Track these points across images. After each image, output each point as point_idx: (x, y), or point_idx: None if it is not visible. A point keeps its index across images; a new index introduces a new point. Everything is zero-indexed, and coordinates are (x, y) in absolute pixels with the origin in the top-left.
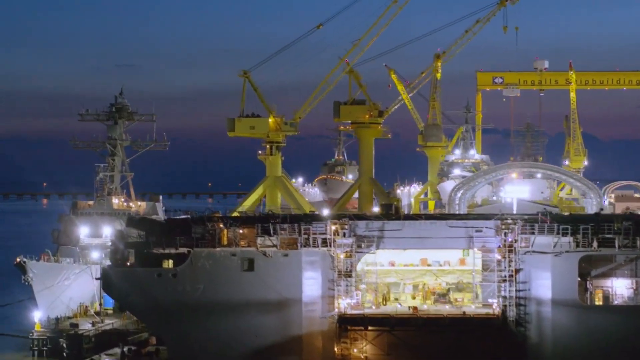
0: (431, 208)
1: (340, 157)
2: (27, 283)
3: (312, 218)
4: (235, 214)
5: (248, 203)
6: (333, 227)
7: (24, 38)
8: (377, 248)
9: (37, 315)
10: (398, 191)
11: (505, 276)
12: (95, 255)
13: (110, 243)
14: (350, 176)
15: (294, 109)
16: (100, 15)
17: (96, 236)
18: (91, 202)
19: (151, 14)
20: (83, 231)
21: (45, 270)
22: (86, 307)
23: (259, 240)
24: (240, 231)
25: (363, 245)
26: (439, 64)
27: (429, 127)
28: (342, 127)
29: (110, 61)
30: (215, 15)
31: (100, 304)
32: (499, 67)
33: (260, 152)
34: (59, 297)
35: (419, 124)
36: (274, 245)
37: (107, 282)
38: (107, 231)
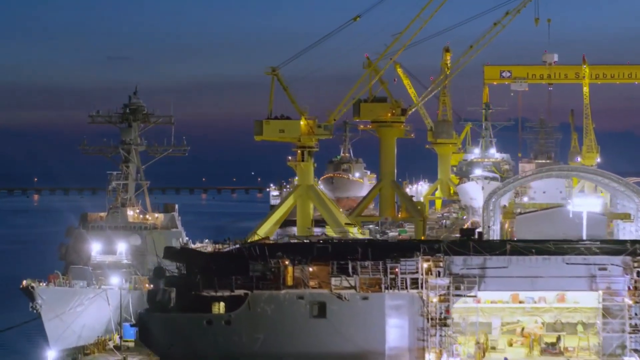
0: (438, 207)
1: (346, 154)
2: (35, 311)
3: (398, 252)
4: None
5: (277, 216)
6: (425, 265)
7: (13, 30)
8: (479, 289)
9: (51, 357)
10: (407, 190)
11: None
12: (114, 280)
13: (125, 261)
14: (357, 174)
15: (326, 109)
16: (91, 7)
17: (110, 253)
18: (102, 214)
19: (144, 6)
20: (95, 247)
21: (55, 296)
22: (104, 340)
23: (334, 280)
24: (310, 269)
25: (462, 287)
26: (448, 57)
27: (439, 124)
28: (362, 126)
29: (102, 53)
30: (209, 7)
31: (120, 336)
32: (507, 60)
33: (290, 157)
34: (70, 327)
35: (426, 119)
36: (352, 287)
37: (145, 330)
38: (122, 247)
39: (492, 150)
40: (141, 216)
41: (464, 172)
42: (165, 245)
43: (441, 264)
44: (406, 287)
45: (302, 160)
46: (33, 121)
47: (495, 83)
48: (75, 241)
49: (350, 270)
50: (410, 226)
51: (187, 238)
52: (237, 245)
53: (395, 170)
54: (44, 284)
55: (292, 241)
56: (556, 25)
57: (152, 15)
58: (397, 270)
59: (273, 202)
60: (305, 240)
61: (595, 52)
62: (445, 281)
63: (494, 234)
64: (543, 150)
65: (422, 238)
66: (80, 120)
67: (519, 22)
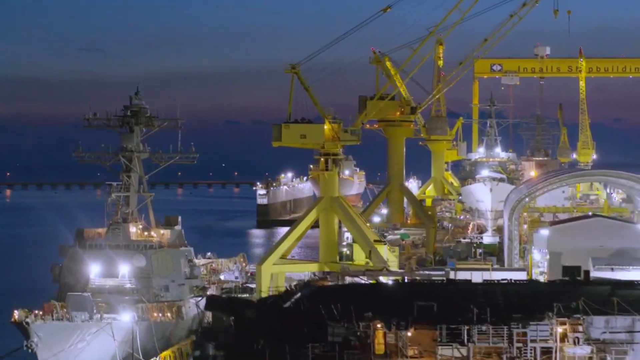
0: (429, 204)
1: None
2: (30, 350)
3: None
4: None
5: (297, 232)
6: (559, 329)
7: None
8: None
9: None
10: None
11: None
12: (119, 309)
13: (128, 285)
14: (346, 172)
15: (352, 111)
16: None
17: (111, 276)
18: (101, 230)
19: None
20: (94, 269)
21: (54, 332)
22: None
23: (441, 350)
24: (409, 334)
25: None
26: (441, 50)
27: (433, 120)
28: (367, 126)
29: (74, 44)
30: None
31: None
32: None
33: (311, 166)
34: None
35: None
36: (464, 358)
37: None
38: (125, 269)
39: (498, 149)
40: (145, 233)
41: (468, 173)
42: (173, 266)
43: (580, 328)
44: (536, 358)
45: (326, 169)
46: (2, 114)
47: (485, 77)
48: (70, 261)
49: (464, 337)
50: (413, 230)
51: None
52: (300, 293)
53: (404, 172)
54: (39, 316)
55: (361, 280)
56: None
57: (125, 7)
58: (525, 337)
59: (260, 200)
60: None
61: (587, 45)
62: (585, 350)
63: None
64: (540, 147)
65: (434, 247)
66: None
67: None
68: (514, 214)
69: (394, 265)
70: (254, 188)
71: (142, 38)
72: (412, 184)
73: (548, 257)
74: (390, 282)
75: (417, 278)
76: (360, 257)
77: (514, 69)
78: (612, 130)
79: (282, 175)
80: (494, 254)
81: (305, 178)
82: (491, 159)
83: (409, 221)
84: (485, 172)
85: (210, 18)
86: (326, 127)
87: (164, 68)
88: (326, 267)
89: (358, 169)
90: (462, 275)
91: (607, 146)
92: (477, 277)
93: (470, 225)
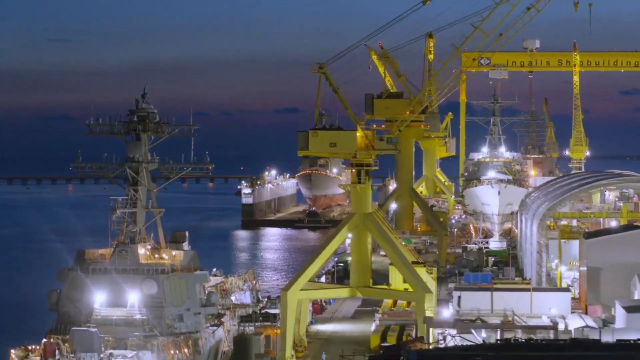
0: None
1: None
2: None
3: None
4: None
5: (328, 253)
6: None
7: None
8: None
9: None
10: (391, 187)
11: None
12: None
13: (138, 315)
14: (334, 170)
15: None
16: None
17: (118, 305)
18: (104, 252)
19: None
20: (99, 298)
21: None
22: None
23: None
24: None
25: None
26: (432, 43)
27: (425, 116)
28: (374, 126)
29: (42, 36)
30: None
31: None
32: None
33: (342, 177)
34: None
35: None
36: None
37: None
38: (134, 298)
39: (502, 149)
40: (156, 255)
41: (471, 174)
42: (187, 292)
43: None
44: None
45: (359, 182)
46: None
47: (473, 70)
48: (70, 288)
49: None
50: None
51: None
52: None
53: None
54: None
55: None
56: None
57: None
58: None
59: (245, 200)
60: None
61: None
62: None
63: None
64: (535, 144)
65: (446, 256)
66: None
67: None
68: (542, 223)
69: (432, 288)
70: (239, 187)
71: (111, 29)
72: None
73: (580, 271)
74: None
75: (519, 338)
76: (397, 281)
77: (502, 62)
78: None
79: (266, 172)
80: (505, 260)
81: (288, 175)
82: (495, 159)
83: (419, 228)
84: (491, 174)
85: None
86: (359, 134)
87: (133, 59)
88: (358, 292)
89: (345, 167)
90: (505, 299)
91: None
92: (519, 298)
93: (471, 227)
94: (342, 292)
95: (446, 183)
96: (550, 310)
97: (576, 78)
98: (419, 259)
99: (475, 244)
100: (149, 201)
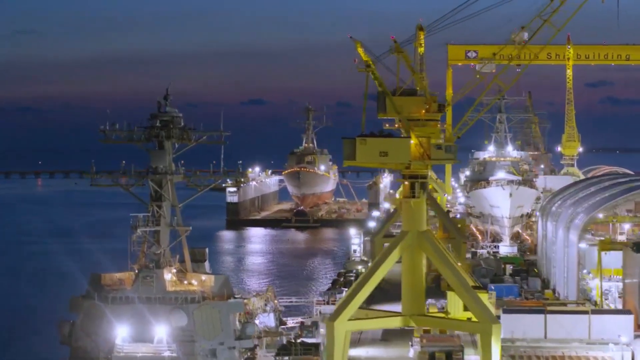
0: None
1: (310, 144)
2: None
3: None
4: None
5: (378, 278)
6: None
7: None
8: None
9: None
10: (382, 185)
11: None
12: None
13: (168, 353)
14: (322, 167)
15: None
16: None
17: (143, 340)
18: (122, 276)
19: None
20: (121, 331)
21: None
22: None
23: None
24: None
25: None
26: (422, 36)
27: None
28: (387, 125)
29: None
30: None
31: None
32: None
33: (391, 191)
34: None
35: None
36: None
37: None
38: (162, 332)
39: (509, 148)
40: (186, 282)
41: (477, 174)
42: (221, 324)
43: None
44: None
45: (413, 196)
46: None
47: (460, 64)
48: (86, 319)
49: None
50: None
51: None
52: None
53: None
54: None
55: None
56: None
57: None
58: None
59: (230, 198)
60: None
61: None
62: None
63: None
64: (529, 141)
65: (464, 264)
66: None
67: None
68: (581, 233)
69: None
70: (224, 185)
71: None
72: (387, 179)
73: (625, 284)
74: None
75: None
76: (456, 308)
77: (490, 55)
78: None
79: (250, 169)
80: (522, 268)
81: (270, 171)
82: (502, 159)
83: (435, 235)
84: (500, 174)
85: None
86: (413, 141)
87: (100, 51)
88: (412, 321)
89: (332, 163)
90: (560, 322)
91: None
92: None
93: (474, 229)
94: (394, 321)
95: (437, 181)
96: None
97: (569, 72)
98: (477, 283)
99: (484, 248)
100: (173, 218)
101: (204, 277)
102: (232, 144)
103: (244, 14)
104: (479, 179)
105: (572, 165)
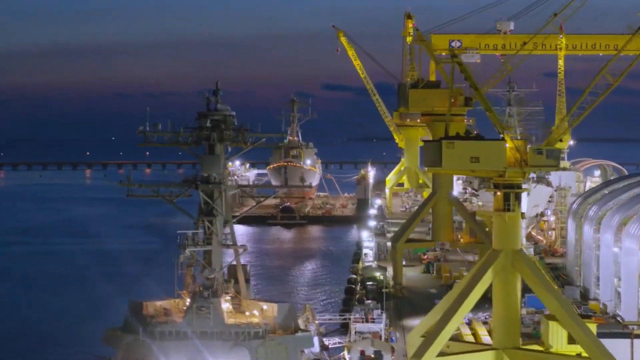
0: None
1: (295, 137)
2: None
3: None
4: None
5: (467, 307)
6: None
7: None
8: None
9: None
10: (371, 180)
11: None
12: None
13: None
14: (308, 161)
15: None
16: None
17: None
18: (168, 304)
19: None
20: None
21: None
22: None
23: None
24: None
25: None
26: (410, 25)
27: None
28: (408, 121)
29: None
30: None
31: None
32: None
33: (477, 202)
34: None
35: (373, 95)
36: None
37: None
38: None
39: None
40: (247, 312)
41: None
42: None
43: None
44: None
45: (507, 209)
46: None
47: (444, 54)
48: (128, 356)
49: None
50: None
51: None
52: None
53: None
54: None
55: None
56: None
57: None
58: None
59: None
60: None
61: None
62: None
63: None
64: (524, 135)
65: None
66: None
67: None
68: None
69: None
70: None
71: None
72: (371, 173)
73: None
74: None
75: None
76: (558, 340)
77: (475, 45)
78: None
79: (230, 163)
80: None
81: (248, 165)
82: None
83: (460, 239)
84: None
85: None
86: (508, 145)
87: (53, 41)
88: (505, 355)
89: (316, 157)
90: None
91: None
92: None
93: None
94: (485, 357)
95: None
96: None
97: (561, 62)
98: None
99: None
100: (226, 235)
101: (264, 305)
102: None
103: (205, 3)
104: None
105: (563, 159)
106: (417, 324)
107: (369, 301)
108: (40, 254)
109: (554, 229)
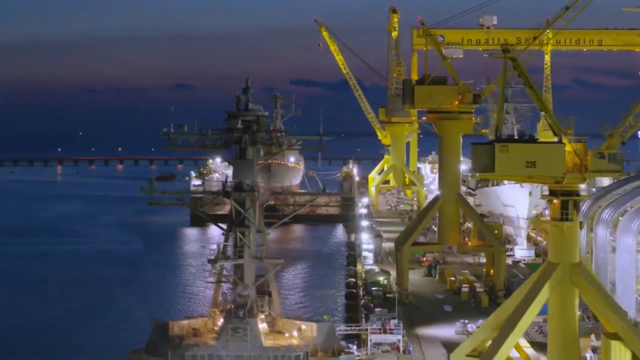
0: (373, 195)
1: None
2: None
3: None
4: None
5: (523, 326)
6: None
7: None
8: None
9: None
10: (357, 178)
11: None
12: None
13: None
14: (292, 159)
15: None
16: None
17: None
18: (197, 324)
19: None
20: None
21: None
22: None
23: None
24: None
25: None
26: (396, 19)
27: (394, 99)
28: (414, 119)
29: None
30: None
31: None
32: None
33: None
34: None
35: (356, 91)
36: None
37: None
38: None
39: None
40: (286, 333)
41: None
42: None
43: None
44: None
45: (564, 219)
46: None
47: (425, 49)
48: None
49: None
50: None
51: None
52: None
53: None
54: None
55: None
56: None
57: None
58: None
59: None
60: None
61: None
62: None
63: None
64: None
65: (503, 276)
66: None
67: None
68: None
69: None
70: (187, 178)
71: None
72: (355, 170)
73: None
74: None
75: None
76: (620, 357)
77: (457, 40)
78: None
79: (210, 160)
80: None
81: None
82: None
83: (468, 242)
84: None
85: None
86: (567, 148)
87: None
88: None
89: (300, 154)
90: None
91: None
92: None
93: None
94: None
95: (415, 173)
96: None
97: (547, 57)
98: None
99: None
100: (260, 248)
101: (303, 325)
102: (155, 127)
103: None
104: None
105: None
106: (462, 344)
107: (379, 309)
108: (23, 255)
109: None
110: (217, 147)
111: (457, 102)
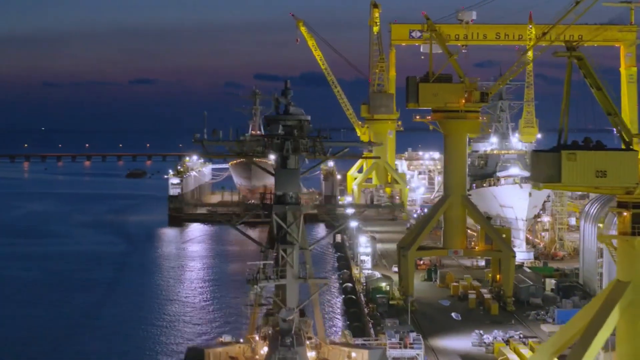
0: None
1: (257, 131)
2: None
3: None
4: None
5: (597, 347)
6: None
7: None
8: None
9: None
10: (339, 176)
11: None
12: None
13: None
14: (272, 157)
15: None
16: None
17: None
18: (234, 351)
19: None
20: None
21: None
22: None
23: None
24: None
25: None
26: (377, 13)
27: (377, 96)
28: (418, 118)
29: None
30: None
31: None
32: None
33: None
34: None
35: (335, 87)
36: None
37: None
38: None
39: (514, 140)
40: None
41: (477, 168)
42: None
43: None
44: None
45: (637, 233)
46: None
47: (403, 44)
48: None
49: None
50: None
51: None
52: None
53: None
54: None
55: None
56: None
57: None
58: None
59: (173, 191)
60: None
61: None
62: None
63: None
64: (500, 130)
65: (512, 282)
66: None
67: None
68: None
69: None
70: (165, 176)
71: None
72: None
73: None
74: None
75: None
76: None
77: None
78: None
79: (187, 158)
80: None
81: (202, 161)
82: (505, 152)
83: (475, 246)
84: (514, 170)
85: None
86: None
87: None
88: None
89: None
90: None
91: None
92: None
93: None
94: None
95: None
96: None
97: (530, 53)
98: None
99: None
100: (303, 267)
101: (353, 352)
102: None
103: None
104: (482, 175)
105: None
106: None
107: (389, 320)
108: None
109: (547, 230)
110: (256, 154)
111: (463, 101)
